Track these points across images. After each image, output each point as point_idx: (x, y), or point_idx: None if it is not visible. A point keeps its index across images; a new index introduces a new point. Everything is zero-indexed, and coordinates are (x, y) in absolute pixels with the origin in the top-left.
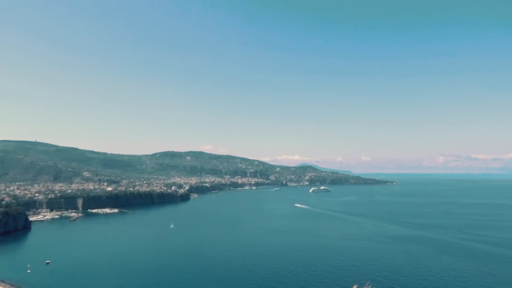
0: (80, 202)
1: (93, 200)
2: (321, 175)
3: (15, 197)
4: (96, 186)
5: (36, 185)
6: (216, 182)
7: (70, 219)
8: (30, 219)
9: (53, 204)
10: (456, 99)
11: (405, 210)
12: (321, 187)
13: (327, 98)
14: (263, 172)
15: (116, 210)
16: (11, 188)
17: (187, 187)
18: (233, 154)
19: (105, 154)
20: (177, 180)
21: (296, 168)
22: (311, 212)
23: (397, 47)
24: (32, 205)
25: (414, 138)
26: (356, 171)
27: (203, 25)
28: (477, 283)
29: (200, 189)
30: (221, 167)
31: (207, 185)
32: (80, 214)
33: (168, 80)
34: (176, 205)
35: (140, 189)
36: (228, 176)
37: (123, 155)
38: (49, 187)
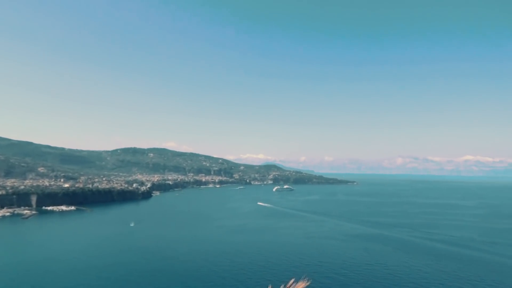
0: (34, 199)
1: (48, 197)
2: (284, 174)
3: None
4: (52, 183)
5: None
6: (179, 179)
7: (23, 216)
8: None
9: (4, 201)
10: (414, 105)
11: (365, 209)
12: (285, 186)
13: (292, 100)
14: (227, 171)
15: (73, 208)
16: None
17: (149, 185)
18: (197, 152)
19: (62, 149)
20: (139, 177)
21: (260, 167)
22: (274, 211)
23: (360, 54)
24: None
25: (374, 140)
26: (319, 170)
27: (177, 28)
28: (430, 279)
29: (162, 187)
30: (184, 164)
31: (170, 182)
32: (33, 212)
33: (132, 77)
34: (137, 203)
35: (100, 186)
36: (192, 174)
37: (81, 151)
38: (0, 183)
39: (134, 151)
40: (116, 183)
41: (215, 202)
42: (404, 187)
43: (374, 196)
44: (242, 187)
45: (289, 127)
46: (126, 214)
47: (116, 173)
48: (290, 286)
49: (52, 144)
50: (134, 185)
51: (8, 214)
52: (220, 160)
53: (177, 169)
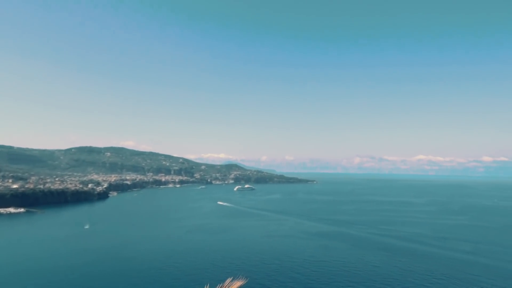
0: None
1: None
2: (246, 174)
3: None
4: None
5: None
6: (138, 179)
7: None
8: None
9: None
10: (371, 107)
11: (324, 208)
12: (246, 186)
13: (253, 100)
14: (188, 170)
15: (22, 210)
16: None
17: (105, 185)
18: (156, 151)
19: (10, 147)
20: (95, 177)
21: (222, 166)
22: (235, 210)
23: (317, 57)
24: None
25: (334, 140)
26: (280, 170)
27: (134, 27)
28: (385, 274)
29: (120, 187)
30: (143, 164)
31: (128, 182)
32: None
33: (88, 73)
34: (93, 204)
35: (52, 187)
36: (151, 174)
37: (32, 150)
38: None
39: (90, 150)
40: (70, 184)
41: (175, 202)
42: (362, 186)
43: (333, 194)
44: (203, 186)
45: (251, 126)
46: (81, 216)
47: (70, 173)
48: (226, 285)
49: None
50: (90, 185)
51: None
52: (181, 160)
53: (135, 168)
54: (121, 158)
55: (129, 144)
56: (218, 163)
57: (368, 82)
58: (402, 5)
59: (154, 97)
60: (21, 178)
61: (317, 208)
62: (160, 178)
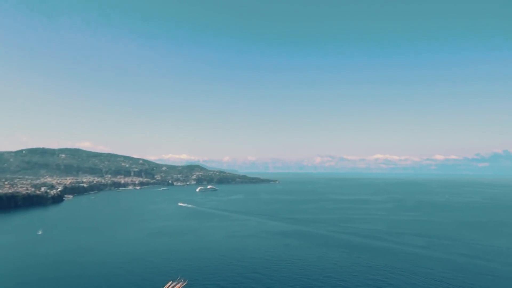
0: None
1: None
2: (208, 174)
3: None
4: None
5: None
6: (95, 182)
7: None
8: None
9: None
10: (331, 108)
11: (286, 207)
12: (208, 186)
13: (216, 101)
14: (149, 172)
15: None
16: None
17: (60, 188)
18: (115, 152)
19: None
20: (49, 180)
21: (183, 167)
22: (197, 211)
23: (281, 60)
24: None
25: (295, 141)
26: (243, 170)
27: (92, 26)
28: (345, 270)
29: (76, 190)
30: (101, 166)
31: (85, 185)
32: None
33: (44, 72)
34: (47, 208)
35: (1, 191)
36: (110, 176)
37: None
38: None
39: (42, 151)
40: (21, 187)
41: (135, 204)
42: (322, 185)
43: (295, 194)
44: (165, 188)
45: (213, 127)
46: (33, 221)
47: (21, 176)
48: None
49: None
50: (43, 188)
51: None
52: (141, 161)
53: (93, 170)
54: (77, 160)
55: (86, 145)
56: (179, 164)
57: (327, 85)
58: (348, 11)
59: (111, 98)
60: None
61: (279, 207)
62: (119, 180)
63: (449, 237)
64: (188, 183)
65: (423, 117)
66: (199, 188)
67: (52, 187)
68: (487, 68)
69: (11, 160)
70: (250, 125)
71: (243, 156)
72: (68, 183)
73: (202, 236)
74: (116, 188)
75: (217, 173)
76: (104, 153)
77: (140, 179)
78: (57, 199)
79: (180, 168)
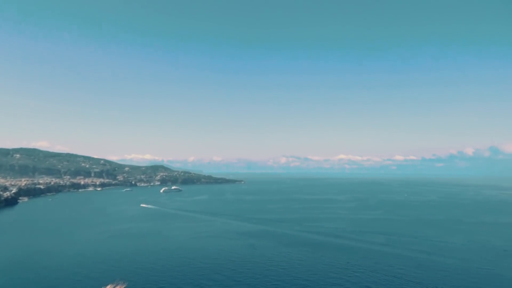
0: None
1: None
2: (173, 175)
3: None
4: None
5: None
6: (53, 183)
7: None
8: None
9: None
10: (296, 109)
11: (251, 207)
12: (173, 187)
13: (180, 101)
14: (110, 172)
15: None
16: None
17: (14, 190)
18: (75, 152)
19: None
20: (1, 181)
21: (147, 167)
22: (161, 213)
23: (251, 63)
24: None
25: (260, 141)
26: (208, 170)
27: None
28: (309, 268)
29: (32, 192)
30: (59, 166)
31: (42, 186)
32: None
33: None
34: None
35: None
36: (69, 177)
37: None
38: None
39: None
40: None
41: (96, 206)
42: (288, 185)
43: (260, 194)
44: (128, 189)
45: (178, 126)
46: None
47: None
48: None
49: None
50: None
51: None
52: (102, 161)
53: (50, 171)
54: (33, 160)
55: (43, 145)
56: (143, 164)
57: (293, 87)
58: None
59: (70, 97)
60: None
61: (245, 208)
62: (78, 181)
63: (408, 235)
64: (152, 184)
65: (384, 119)
66: (163, 189)
67: (5, 189)
68: (443, 74)
69: None
70: (215, 125)
71: (208, 156)
72: (23, 184)
73: (165, 237)
74: (75, 190)
75: (182, 174)
76: (63, 153)
77: (101, 180)
78: (11, 202)
79: (143, 168)
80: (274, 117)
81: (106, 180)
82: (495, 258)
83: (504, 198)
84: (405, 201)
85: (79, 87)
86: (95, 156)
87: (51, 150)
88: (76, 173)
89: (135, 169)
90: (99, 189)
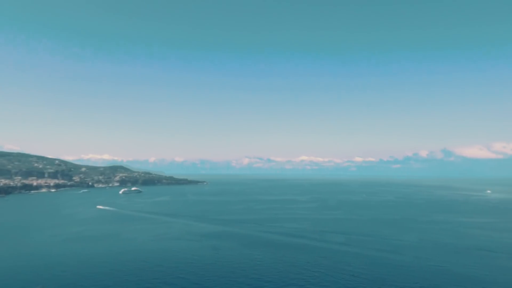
0: None
1: None
2: (132, 176)
3: None
4: None
5: None
6: (2, 184)
7: None
8: None
9: None
10: (258, 111)
11: (214, 208)
12: (132, 188)
13: (140, 101)
14: (66, 173)
15: None
16: None
17: None
18: (27, 152)
19: None
20: None
21: (105, 168)
22: (120, 215)
23: (215, 65)
24: None
25: (223, 142)
26: (170, 171)
27: None
28: (270, 268)
29: None
30: (10, 166)
31: None
32: None
33: None
34: None
35: None
36: (20, 177)
37: None
38: None
39: None
40: None
41: (49, 208)
42: (250, 186)
43: (223, 195)
44: (85, 190)
45: (138, 126)
46: None
47: None
48: None
49: None
50: None
51: None
52: (57, 161)
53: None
54: None
55: None
56: (101, 164)
57: (256, 89)
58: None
59: (23, 96)
60: None
61: (207, 209)
62: (31, 182)
63: (366, 234)
64: (110, 185)
65: (344, 121)
66: (122, 190)
67: None
68: (398, 79)
69: None
70: (177, 125)
71: (170, 156)
72: None
73: (123, 240)
74: (27, 191)
75: (142, 174)
76: (14, 152)
77: (56, 181)
78: None
79: (101, 169)
80: (237, 118)
81: (61, 181)
82: (446, 254)
83: (454, 198)
84: (363, 201)
85: (32, 86)
86: (49, 156)
87: (0, 149)
88: (28, 173)
89: (92, 169)
90: (53, 190)
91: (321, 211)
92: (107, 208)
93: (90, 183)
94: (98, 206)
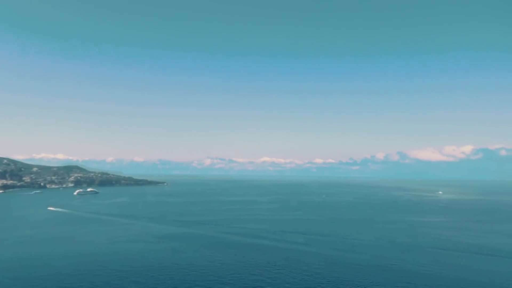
0: None
1: None
2: (89, 176)
3: None
4: None
5: None
6: None
7: None
8: None
9: None
10: (221, 112)
11: (174, 210)
12: (88, 189)
13: (98, 99)
14: (15, 173)
15: None
16: None
17: None
18: None
19: None
20: None
21: (59, 168)
22: (74, 217)
23: (177, 66)
24: None
25: (185, 142)
26: (129, 171)
27: None
28: (231, 270)
29: None
30: None
31: None
32: None
33: None
34: None
35: None
36: None
37: None
38: None
39: None
40: None
41: None
42: (212, 186)
43: (184, 196)
44: (38, 191)
45: (95, 125)
46: None
47: None
48: None
49: None
50: None
51: None
52: (5, 160)
53: None
54: None
55: None
56: (55, 164)
57: (217, 90)
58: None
59: None
60: None
61: (167, 210)
62: None
63: (325, 234)
64: (64, 185)
65: (306, 123)
66: (77, 191)
67: None
68: (357, 84)
69: None
70: (136, 124)
71: (129, 156)
72: None
73: (77, 243)
74: None
75: (99, 175)
76: None
77: (4, 181)
78: None
79: (55, 169)
80: (199, 119)
81: (10, 182)
82: (400, 253)
83: (409, 198)
84: (323, 202)
85: None
86: None
87: None
88: None
89: (45, 169)
90: (1, 191)
91: (282, 212)
92: (60, 210)
93: (42, 184)
94: (50, 208)
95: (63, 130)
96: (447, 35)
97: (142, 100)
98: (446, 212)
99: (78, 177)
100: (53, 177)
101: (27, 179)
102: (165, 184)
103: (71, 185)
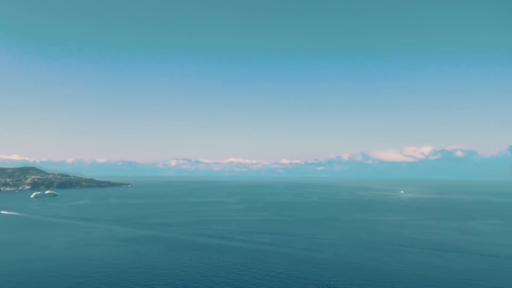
0: None
1: None
2: (47, 178)
3: None
4: None
5: None
6: None
7: None
8: None
9: None
10: (187, 113)
11: (138, 212)
12: (46, 192)
13: (54, 98)
14: None
15: None
16: None
17: None
18: None
19: None
20: None
21: (15, 169)
22: (30, 220)
23: (142, 66)
24: None
25: (149, 143)
26: (90, 173)
27: None
28: (196, 272)
29: None
30: None
31: None
32: None
33: None
34: None
35: None
36: None
37: None
38: None
39: None
40: None
41: None
42: (178, 188)
43: (148, 197)
44: None
45: (52, 124)
46: None
47: None
48: None
49: None
50: None
51: None
52: None
53: None
54: None
55: None
56: (9, 165)
57: (180, 91)
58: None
59: None
60: None
61: (131, 212)
62: None
63: (292, 234)
64: (20, 188)
65: (273, 124)
66: (34, 193)
67: None
68: (323, 87)
69: None
70: (98, 124)
71: (90, 157)
72: None
73: (34, 248)
74: None
75: (58, 176)
76: None
77: None
78: None
79: (10, 170)
80: (164, 119)
81: None
82: (363, 251)
83: (371, 197)
84: (289, 202)
85: None
86: None
87: None
88: None
89: None
90: None
91: (248, 213)
92: (14, 213)
93: None
94: (2, 212)
95: (18, 130)
96: (410, 37)
97: (104, 99)
98: (406, 211)
99: (36, 179)
100: (8, 179)
101: None
102: (129, 185)
103: (27, 187)
